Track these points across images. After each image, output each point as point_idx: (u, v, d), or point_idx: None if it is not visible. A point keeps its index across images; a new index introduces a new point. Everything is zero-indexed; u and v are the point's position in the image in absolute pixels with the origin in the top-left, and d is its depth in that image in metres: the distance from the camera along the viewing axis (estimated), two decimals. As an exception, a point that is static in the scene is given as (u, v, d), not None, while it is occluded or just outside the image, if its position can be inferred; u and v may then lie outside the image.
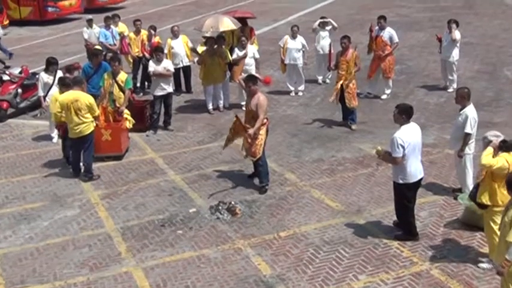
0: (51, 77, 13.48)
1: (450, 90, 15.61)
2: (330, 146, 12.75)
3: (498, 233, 7.83)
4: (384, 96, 15.68)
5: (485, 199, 8.08)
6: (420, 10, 28.59)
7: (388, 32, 15.52)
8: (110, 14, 19.09)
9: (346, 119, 13.83)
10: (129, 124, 12.80)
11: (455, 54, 15.70)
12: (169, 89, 14.12)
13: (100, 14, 20.26)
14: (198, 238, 9.39)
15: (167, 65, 14.16)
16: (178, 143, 13.38)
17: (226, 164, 12.07)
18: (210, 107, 15.30)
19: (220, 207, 10.14)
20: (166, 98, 14.06)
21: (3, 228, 9.99)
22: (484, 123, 13.49)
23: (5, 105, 15.33)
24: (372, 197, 10.46)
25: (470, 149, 9.94)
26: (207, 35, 15.58)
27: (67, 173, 11.95)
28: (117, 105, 12.92)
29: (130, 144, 13.16)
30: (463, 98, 9.81)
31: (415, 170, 8.73)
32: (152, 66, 13.99)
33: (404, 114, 8.79)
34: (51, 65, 13.65)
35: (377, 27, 15.62)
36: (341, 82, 13.43)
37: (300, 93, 16.40)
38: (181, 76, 16.93)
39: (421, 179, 8.91)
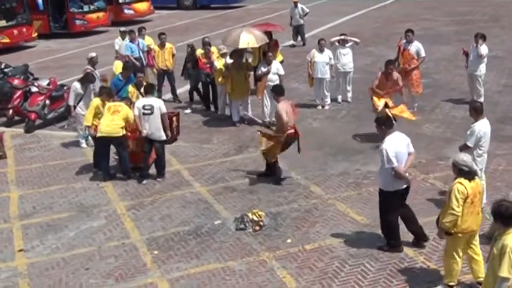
0: (83, 89, 13.76)
1: (478, 104, 15.46)
2: (355, 159, 12.71)
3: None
4: (410, 110, 15.56)
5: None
6: (446, 23, 28.45)
7: (416, 46, 15.43)
8: (135, 27, 19.21)
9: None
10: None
11: (482, 68, 15.53)
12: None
13: (127, 27, 20.38)
14: (223, 250, 9.41)
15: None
16: (204, 155, 13.42)
17: (251, 176, 12.08)
18: (236, 119, 15.33)
19: (245, 220, 10.14)
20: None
21: (31, 237, 10.11)
22: (511, 138, 13.40)
23: (33, 116, 15.56)
24: (397, 211, 10.39)
25: (479, 164, 9.76)
26: (225, 50, 15.53)
27: (93, 184, 12.09)
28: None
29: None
30: (475, 111, 9.76)
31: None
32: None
33: (383, 125, 8.93)
34: (88, 81, 13.91)
35: (404, 41, 15.55)
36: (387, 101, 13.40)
37: (327, 107, 16.31)
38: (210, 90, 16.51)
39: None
